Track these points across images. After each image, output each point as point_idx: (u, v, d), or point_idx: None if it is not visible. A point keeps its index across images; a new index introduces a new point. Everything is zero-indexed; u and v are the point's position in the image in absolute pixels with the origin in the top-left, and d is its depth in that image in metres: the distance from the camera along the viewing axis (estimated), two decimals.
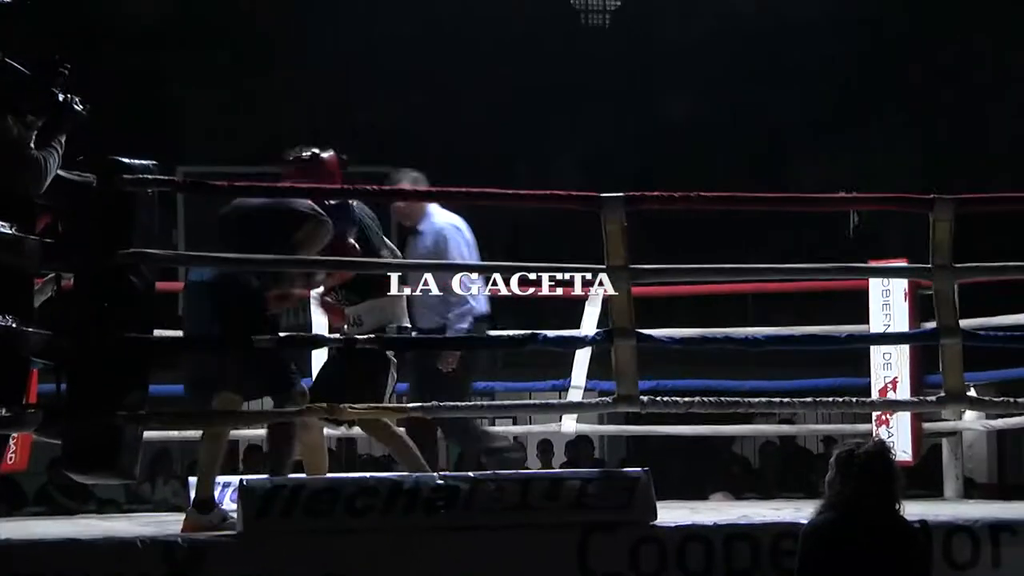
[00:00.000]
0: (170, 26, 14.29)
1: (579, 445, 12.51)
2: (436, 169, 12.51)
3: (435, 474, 5.64)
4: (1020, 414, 8.00)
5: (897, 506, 4.88)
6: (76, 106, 5.39)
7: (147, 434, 6.01)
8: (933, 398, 6.37)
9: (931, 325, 6.43)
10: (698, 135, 15.32)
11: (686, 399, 6.04)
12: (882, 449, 4.91)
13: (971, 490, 10.67)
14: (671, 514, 6.12)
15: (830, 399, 6.26)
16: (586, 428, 9.83)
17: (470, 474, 5.68)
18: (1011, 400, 6.31)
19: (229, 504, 6.88)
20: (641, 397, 5.93)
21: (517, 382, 9.31)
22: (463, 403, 6.73)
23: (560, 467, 12.14)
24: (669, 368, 8.39)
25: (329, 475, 5.92)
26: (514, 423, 11.08)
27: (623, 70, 15.33)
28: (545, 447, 13.57)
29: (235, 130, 14.43)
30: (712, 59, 15.36)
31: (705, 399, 5.98)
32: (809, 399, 6.23)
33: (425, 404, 6.18)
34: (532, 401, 7.51)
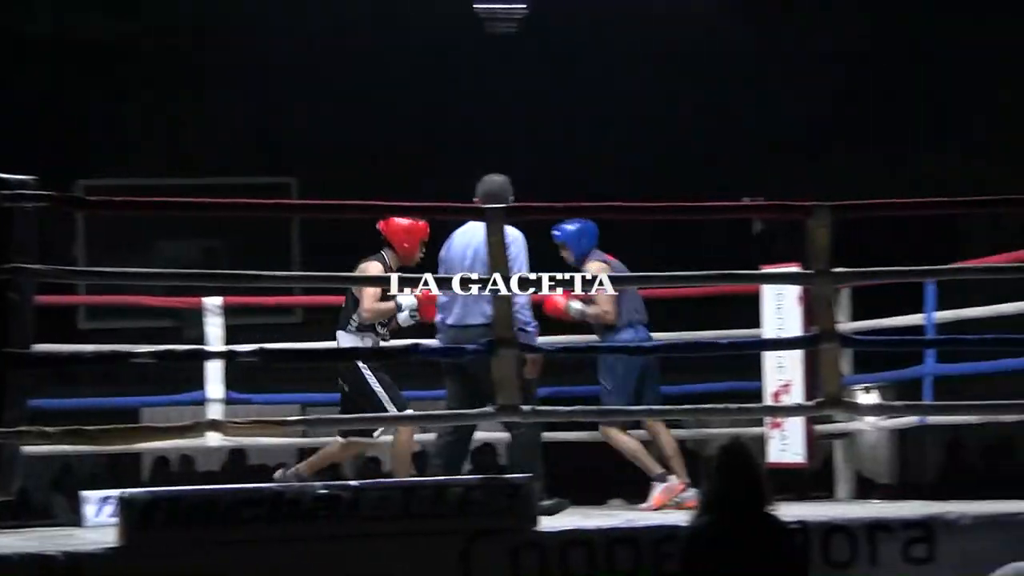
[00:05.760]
0: (76, 41, 14.21)
1: (484, 453, 12.61)
2: (338, 182, 12.52)
3: (318, 483, 5.67)
4: (909, 415, 8.10)
5: (766, 504, 4.95)
6: None
7: (51, 448, 5.95)
8: (812, 403, 6.45)
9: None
10: (610, 147, 15.33)
11: (568, 408, 6.10)
12: (737, 446, 4.94)
13: (871, 491, 10.81)
14: (560, 519, 6.19)
15: (709, 406, 6.34)
16: (490, 436, 9.85)
17: (353, 483, 5.72)
18: (887, 404, 6.41)
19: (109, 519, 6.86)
20: (523, 407, 5.99)
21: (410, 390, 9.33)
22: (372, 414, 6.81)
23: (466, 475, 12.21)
24: (571, 375, 8.47)
25: (210, 486, 5.92)
26: None
27: (531, 81, 15.33)
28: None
29: (138, 144, 14.40)
30: (625, 72, 15.38)
31: (587, 408, 6.05)
32: (689, 406, 6.31)
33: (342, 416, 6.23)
34: (413, 412, 7.48)
